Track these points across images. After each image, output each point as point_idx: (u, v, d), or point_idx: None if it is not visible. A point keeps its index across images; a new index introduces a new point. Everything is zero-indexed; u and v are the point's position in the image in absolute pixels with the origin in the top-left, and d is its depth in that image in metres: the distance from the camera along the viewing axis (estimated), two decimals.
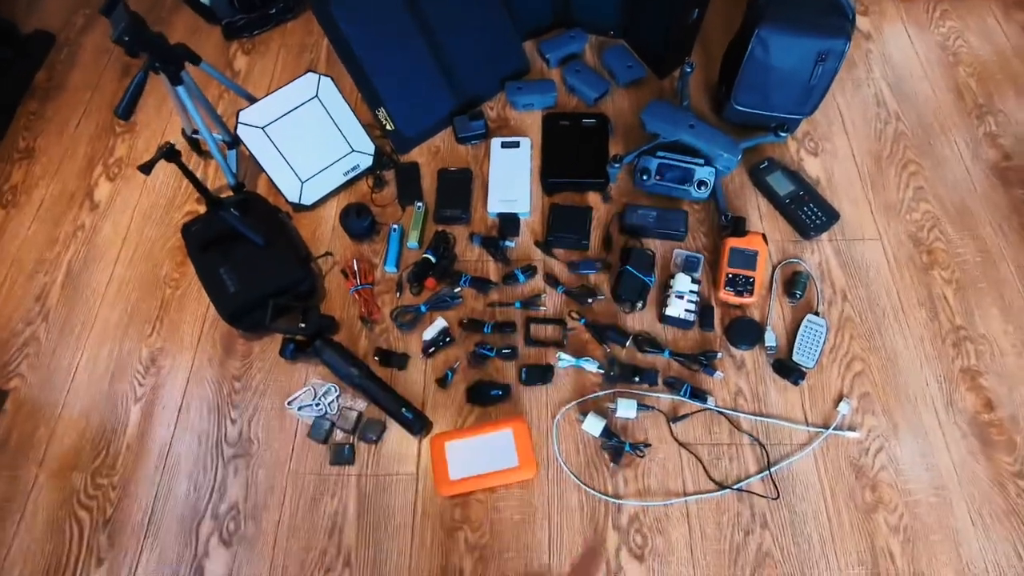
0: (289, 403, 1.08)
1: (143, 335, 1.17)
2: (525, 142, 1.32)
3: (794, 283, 1.14)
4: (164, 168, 1.33)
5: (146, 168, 0.91)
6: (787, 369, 1.06)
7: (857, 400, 1.04)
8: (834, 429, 1.02)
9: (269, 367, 1.12)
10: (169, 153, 0.92)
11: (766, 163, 1.25)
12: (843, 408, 1.03)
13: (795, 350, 1.08)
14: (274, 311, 1.08)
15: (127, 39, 0.94)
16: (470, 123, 1.34)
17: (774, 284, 1.15)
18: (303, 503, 1.01)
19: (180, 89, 1.07)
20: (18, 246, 1.29)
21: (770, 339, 1.09)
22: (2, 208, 1.35)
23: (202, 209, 1.29)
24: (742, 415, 1.04)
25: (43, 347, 1.18)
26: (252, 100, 1.23)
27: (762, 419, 1.03)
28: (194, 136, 1.32)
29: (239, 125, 1.17)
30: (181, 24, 1.64)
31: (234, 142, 1.29)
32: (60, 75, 1.56)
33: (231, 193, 1.28)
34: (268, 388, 1.10)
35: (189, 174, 0.98)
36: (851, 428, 1.02)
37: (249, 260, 1.12)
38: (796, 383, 1.05)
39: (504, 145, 1.31)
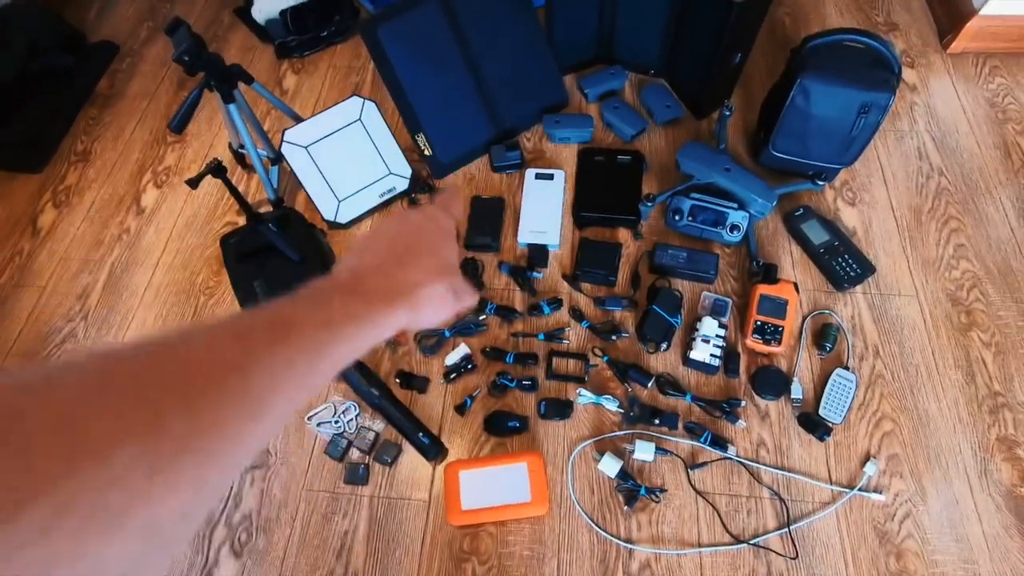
0: (309, 418, 1.09)
1: None
2: (559, 175, 1.33)
3: (824, 335, 1.11)
4: (208, 180, 1.38)
5: (194, 182, 0.94)
6: (813, 423, 1.03)
7: (885, 461, 1.01)
8: (859, 490, 0.98)
9: None
10: (216, 169, 0.96)
11: (801, 211, 1.24)
12: (869, 469, 1.00)
13: (822, 404, 1.05)
14: None
15: (187, 59, 0.98)
16: (506, 153, 1.36)
17: (803, 335, 1.13)
18: (315, 520, 1.01)
19: (231, 107, 1.12)
20: (67, 245, 1.35)
21: (796, 391, 1.07)
22: (55, 207, 1.41)
23: (241, 221, 1.33)
24: (763, 467, 1.01)
25: (80, 344, 1.22)
26: (298, 120, 1.28)
27: (784, 473, 1.01)
28: (240, 151, 1.36)
29: (284, 143, 1.21)
30: (237, 41, 1.71)
31: (277, 158, 1.34)
32: (121, 83, 1.64)
33: (270, 207, 1.32)
34: None
35: (233, 189, 1.02)
36: (877, 490, 0.99)
37: (283, 274, 1.14)
38: (821, 439, 1.02)
39: (538, 176, 1.33)
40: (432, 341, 1.14)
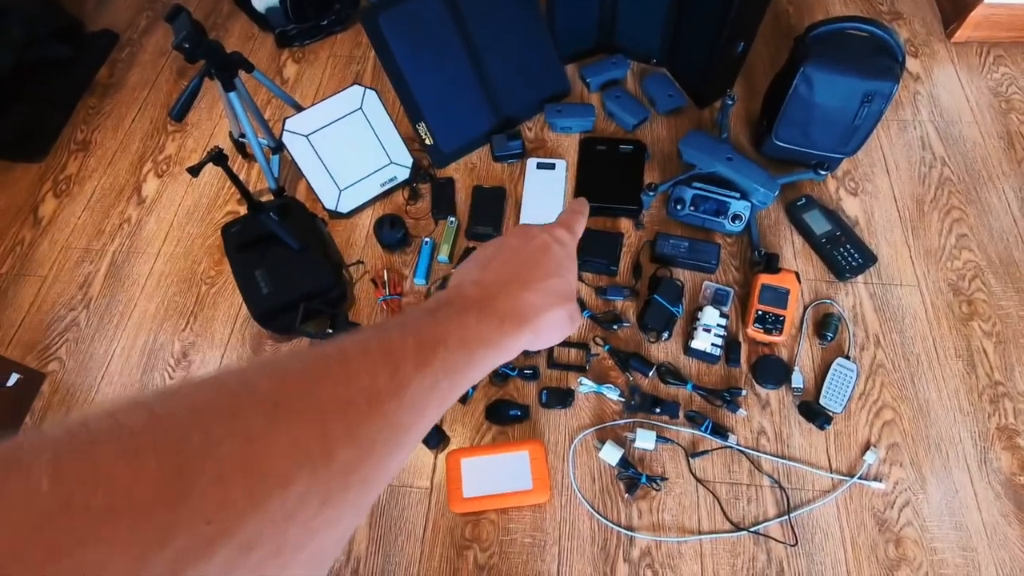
0: None
1: (177, 329, 1.21)
2: (561, 164, 1.32)
3: (825, 325, 1.11)
4: (209, 169, 1.37)
5: (195, 170, 0.94)
6: (813, 412, 1.03)
7: (885, 450, 1.01)
8: (859, 478, 0.99)
9: None
10: (217, 157, 0.95)
11: (804, 200, 1.24)
12: (869, 457, 1.00)
13: (823, 393, 1.05)
14: (304, 314, 1.10)
15: (187, 46, 0.98)
16: (507, 142, 1.35)
17: (804, 324, 1.13)
18: None
19: (232, 95, 1.11)
20: (68, 234, 1.35)
21: (797, 380, 1.07)
22: (56, 197, 1.41)
23: (242, 210, 1.33)
24: (764, 456, 1.02)
25: (82, 333, 1.22)
26: (299, 108, 1.27)
27: (784, 462, 1.01)
28: (240, 139, 1.36)
29: (285, 132, 1.21)
30: (237, 30, 1.70)
31: (278, 147, 1.33)
32: (120, 73, 1.64)
33: (271, 197, 1.31)
34: None
35: (234, 178, 1.02)
36: (877, 479, 0.99)
37: (284, 263, 1.14)
38: (822, 427, 1.03)
39: (540, 166, 1.32)
40: None
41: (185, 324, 1.22)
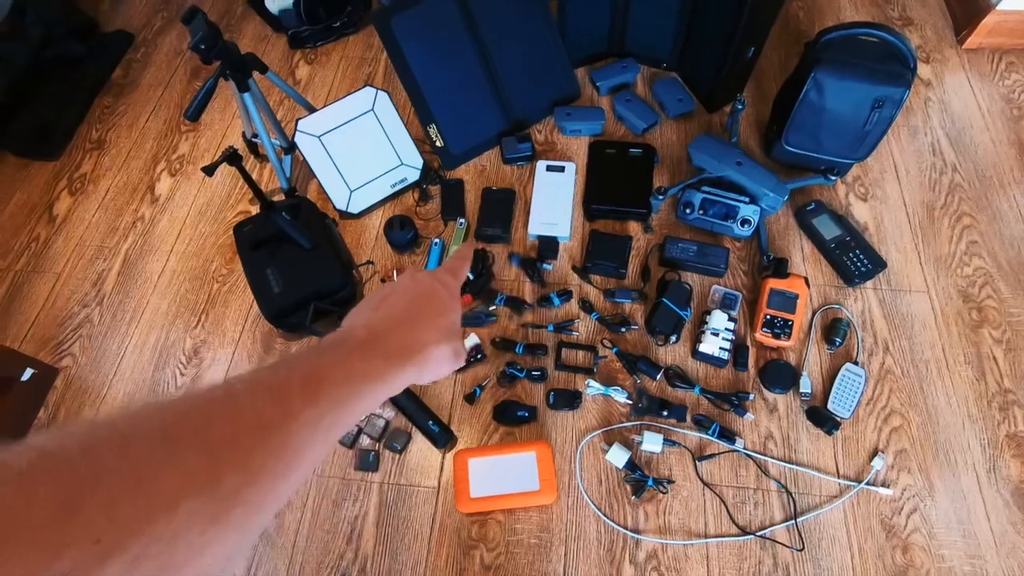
0: None
1: (189, 326, 1.22)
2: (570, 167, 1.33)
3: (834, 330, 1.11)
4: (222, 169, 1.39)
5: (210, 170, 0.95)
6: (821, 417, 1.03)
7: (893, 456, 1.01)
8: (867, 484, 0.99)
9: None
10: (232, 157, 0.96)
11: (813, 205, 1.24)
12: (877, 463, 1.00)
13: (831, 399, 1.05)
14: (314, 314, 1.11)
15: (203, 47, 0.99)
16: (517, 144, 1.36)
17: (813, 329, 1.13)
18: (325, 505, 1.02)
19: (246, 96, 1.12)
20: (82, 232, 1.37)
21: (805, 385, 1.07)
22: (71, 195, 1.43)
23: (254, 210, 1.34)
24: (771, 460, 1.02)
25: (95, 330, 1.23)
26: (312, 109, 1.28)
27: (791, 466, 1.01)
28: (253, 140, 1.37)
29: (297, 133, 1.22)
30: (250, 31, 1.72)
31: (290, 148, 1.34)
32: (135, 73, 1.66)
33: (283, 196, 1.32)
34: None
35: (248, 178, 1.03)
36: (884, 484, 0.99)
37: (295, 263, 1.15)
38: (830, 433, 1.03)
39: (549, 168, 1.33)
40: None
41: (197, 322, 1.23)
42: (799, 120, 1.19)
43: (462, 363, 0.42)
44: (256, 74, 1.17)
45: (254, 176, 1.40)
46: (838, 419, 1.03)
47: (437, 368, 0.40)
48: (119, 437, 0.23)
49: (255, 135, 1.33)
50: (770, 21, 1.25)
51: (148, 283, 1.28)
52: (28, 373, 1.12)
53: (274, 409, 0.28)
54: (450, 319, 0.42)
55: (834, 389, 1.06)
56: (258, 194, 1.08)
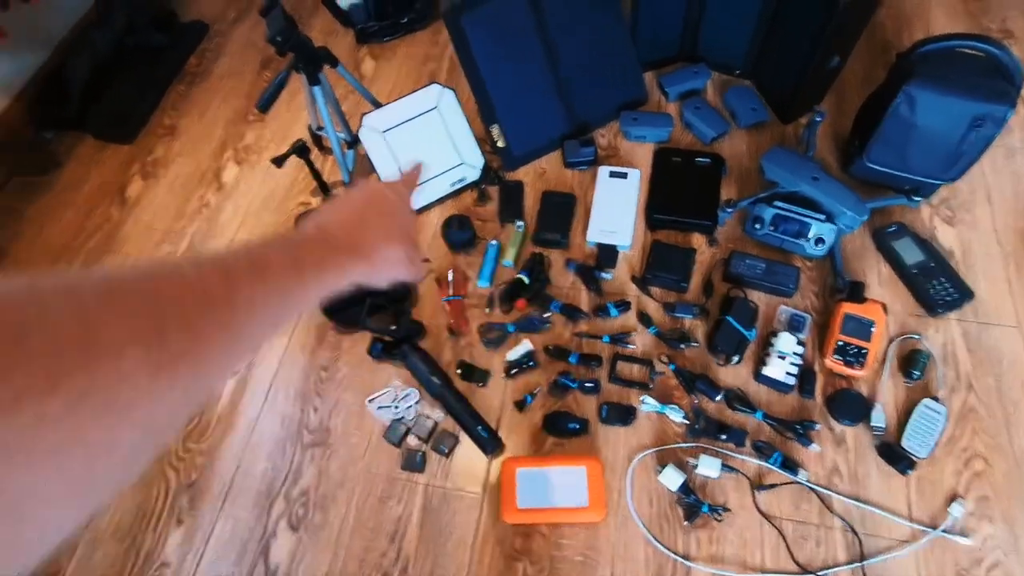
0: (370, 401, 1.10)
1: None
2: (634, 174, 1.29)
3: (912, 362, 1.04)
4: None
5: (279, 161, 0.96)
6: (894, 455, 0.97)
7: (973, 503, 0.94)
8: (943, 531, 0.91)
9: (356, 363, 1.16)
10: (301, 150, 0.97)
11: (895, 227, 1.16)
12: (955, 509, 0.92)
13: (905, 435, 0.98)
14: (369, 309, 1.11)
15: (279, 40, 1.00)
16: (580, 148, 1.33)
17: (889, 359, 1.06)
18: (370, 502, 1.02)
19: (316, 89, 1.13)
20: (151, 215, 1.41)
21: (878, 418, 1.00)
22: (143, 178, 1.48)
23: (315, 202, 1.35)
24: (836, 496, 0.96)
25: None
26: (377, 105, 1.29)
27: (859, 504, 0.95)
28: (318, 132, 1.39)
29: (362, 128, 1.23)
30: (319, 25, 1.74)
31: (354, 142, 1.35)
32: (208, 62, 1.70)
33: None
34: (352, 383, 1.14)
35: (314, 170, 1.03)
36: (963, 533, 0.92)
37: None
38: (903, 472, 0.96)
39: (612, 175, 1.30)
40: (495, 335, 1.13)
41: None
42: (886, 135, 1.12)
43: (420, 275, 0.44)
44: (325, 68, 1.17)
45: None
46: (913, 458, 0.96)
47: (390, 269, 0.42)
48: (64, 284, 0.24)
49: (320, 128, 1.35)
50: (859, 29, 1.18)
51: None
52: None
53: (220, 282, 0.29)
54: (399, 221, 0.44)
55: (910, 425, 0.99)
56: (322, 186, 1.08)
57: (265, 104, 1.08)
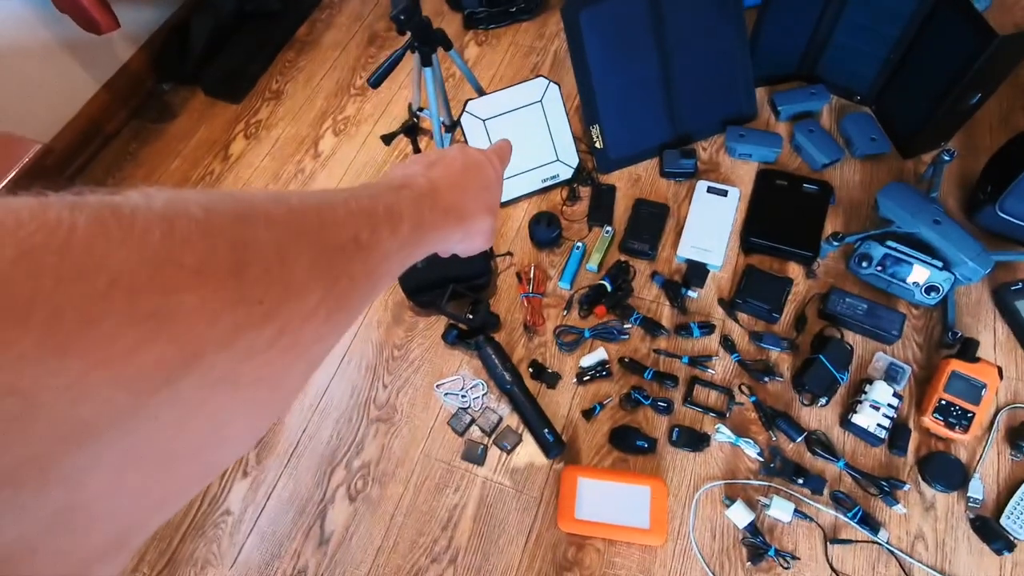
0: (438, 386, 1.11)
1: None
2: (734, 192, 1.24)
3: (1022, 435, 0.95)
4: (378, 136, 1.43)
5: (388, 139, 0.97)
6: (991, 532, 0.89)
7: None
8: None
9: (428, 345, 1.16)
10: (410, 129, 0.98)
11: (1020, 285, 1.07)
12: None
13: (1006, 513, 0.90)
14: (450, 295, 1.12)
15: (402, 18, 1.00)
16: (680, 159, 1.28)
17: (995, 428, 0.98)
18: (428, 486, 1.03)
19: (427, 70, 1.14)
20: (250, 174, 1.46)
21: (976, 489, 0.92)
22: (246, 138, 1.53)
23: None
24: (918, 564, 0.89)
25: None
26: (482, 92, 1.28)
27: None
28: (418, 112, 1.40)
29: (465, 113, 1.22)
30: (428, 7, 1.74)
31: (453, 126, 1.35)
32: (318, 32, 1.75)
33: None
34: (423, 365, 1.14)
35: (418, 150, 1.04)
36: None
37: None
38: (999, 552, 0.88)
39: (710, 190, 1.25)
40: (571, 338, 1.11)
41: None
42: None
43: (491, 245, 0.44)
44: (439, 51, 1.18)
45: (410, 149, 1.43)
46: (1013, 539, 0.89)
47: (478, 239, 0.42)
48: (262, 215, 0.24)
49: (421, 108, 1.35)
50: (1011, 66, 1.08)
51: None
52: None
53: (368, 232, 0.29)
54: (495, 195, 0.43)
55: (1012, 503, 0.91)
56: None
57: (377, 80, 1.09)
